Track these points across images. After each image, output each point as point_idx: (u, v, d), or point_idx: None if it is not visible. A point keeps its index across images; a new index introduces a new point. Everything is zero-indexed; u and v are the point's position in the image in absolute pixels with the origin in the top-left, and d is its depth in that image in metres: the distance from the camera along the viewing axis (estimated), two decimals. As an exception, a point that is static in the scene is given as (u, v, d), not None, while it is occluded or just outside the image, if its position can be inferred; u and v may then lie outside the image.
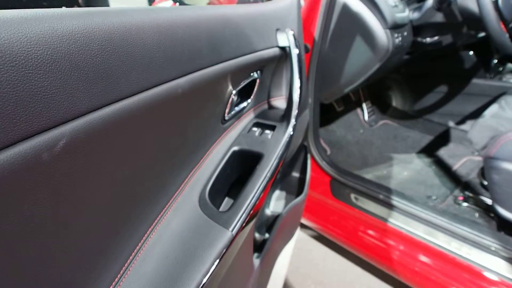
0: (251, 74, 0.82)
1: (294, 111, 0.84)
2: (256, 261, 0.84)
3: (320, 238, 1.83)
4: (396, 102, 2.27)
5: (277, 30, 0.84)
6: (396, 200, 1.40)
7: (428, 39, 1.55)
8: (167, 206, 0.60)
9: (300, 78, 0.85)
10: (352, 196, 1.49)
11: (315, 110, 1.52)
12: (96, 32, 0.38)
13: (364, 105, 2.20)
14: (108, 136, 0.40)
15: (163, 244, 0.56)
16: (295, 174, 1.25)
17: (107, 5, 0.87)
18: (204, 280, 0.51)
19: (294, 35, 0.85)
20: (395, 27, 1.38)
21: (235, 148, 0.77)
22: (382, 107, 2.28)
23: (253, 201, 0.65)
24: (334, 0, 1.38)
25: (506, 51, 1.39)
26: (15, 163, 0.30)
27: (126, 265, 0.51)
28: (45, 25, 0.33)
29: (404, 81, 2.19)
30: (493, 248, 1.20)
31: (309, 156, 1.25)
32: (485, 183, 1.58)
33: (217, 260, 0.54)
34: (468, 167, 1.79)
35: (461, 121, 2.02)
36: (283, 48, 0.86)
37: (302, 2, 1.38)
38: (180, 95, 0.52)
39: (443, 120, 2.07)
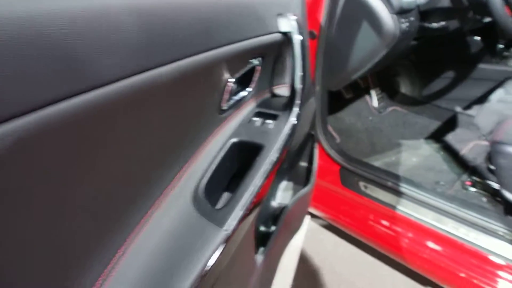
0: (251, 61, 0.80)
1: (297, 100, 0.83)
2: (260, 257, 0.82)
3: (331, 227, 1.86)
4: (405, 88, 2.27)
5: (279, 15, 0.81)
6: (405, 187, 1.41)
7: (435, 24, 1.53)
8: (157, 203, 0.56)
9: (303, 65, 0.84)
10: (362, 184, 1.51)
11: (323, 98, 1.52)
12: (58, 14, 0.34)
13: (373, 92, 2.20)
14: (83, 128, 0.37)
15: (152, 244, 0.52)
16: (303, 164, 1.24)
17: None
18: (195, 284, 0.48)
19: (297, 21, 0.83)
20: (402, 12, 1.36)
21: (234, 139, 0.75)
22: (391, 93, 2.28)
23: (251, 196, 0.62)
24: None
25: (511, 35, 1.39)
26: None
27: (111, 264, 0.48)
28: None
29: (412, 67, 2.19)
30: (500, 233, 1.22)
31: (316, 145, 1.26)
32: (492, 167, 1.60)
33: (211, 262, 0.51)
34: (475, 152, 1.80)
35: (468, 106, 2.03)
36: (285, 34, 0.83)
37: None
38: (167, 83, 0.48)
39: (451, 105, 2.08)
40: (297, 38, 0.83)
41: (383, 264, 1.65)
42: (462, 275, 1.26)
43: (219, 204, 0.75)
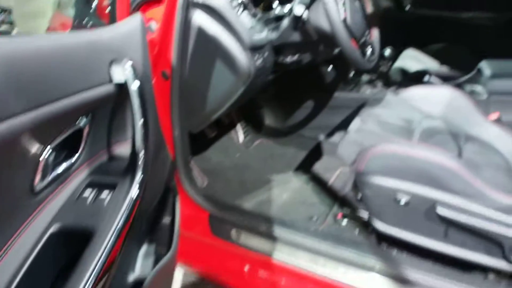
0: (77, 121, 0.68)
1: (140, 161, 0.68)
2: None
3: (206, 285, 1.71)
4: (269, 120, 2.27)
5: (112, 62, 0.69)
6: (279, 230, 1.35)
7: (289, 58, 1.55)
8: None
9: (145, 115, 0.71)
10: (233, 232, 1.40)
11: (184, 142, 1.40)
12: None
13: (238, 126, 2.15)
14: None
15: None
16: (166, 222, 1.09)
17: None
18: None
19: (134, 66, 0.71)
20: (255, 48, 1.34)
21: (54, 227, 0.60)
22: (256, 126, 2.26)
23: None
24: (188, 22, 1.28)
25: (360, 67, 1.45)
26: None
27: None
28: None
29: (274, 98, 2.21)
30: (376, 268, 1.20)
31: (177, 200, 1.11)
32: (360, 196, 1.62)
33: None
34: (343, 180, 1.83)
35: (330, 134, 2.09)
36: (120, 84, 0.71)
37: (154, 26, 1.25)
38: None
39: (314, 133, 2.12)
40: (134, 86, 0.69)
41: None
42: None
43: None
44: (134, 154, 0.68)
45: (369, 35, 1.55)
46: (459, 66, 2.11)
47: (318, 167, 1.95)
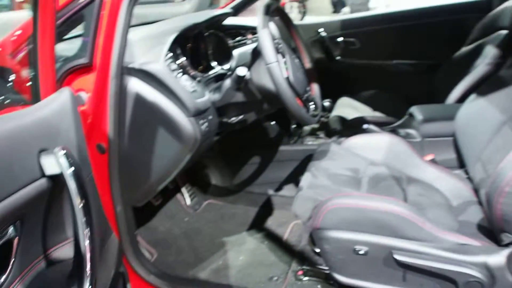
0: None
1: (86, 267, 0.58)
2: None
3: None
4: (215, 179, 2.22)
5: (41, 152, 0.60)
6: None
7: (234, 119, 1.54)
8: None
9: (87, 206, 0.61)
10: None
11: (128, 218, 1.29)
12: None
13: (183, 190, 2.07)
14: None
15: None
16: None
17: None
18: None
19: (67, 154, 0.61)
20: (199, 113, 1.31)
21: None
22: (202, 187, 2.20)
23: None
24: (124, 90, 1.22)
25: (306, 123, 1.47)
26: None
27: None
28: None
29: (219, 157, 2.17)
30: None
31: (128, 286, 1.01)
32: (317, 250, 1.60)
33: None
34: (297, 233, 1.82)
35: (279, 188, 2.08)
36: (53, 176, 0.61)
37: (85, 96, 1.16)
38: None
39: (263, 189, 2.11)
40: (69, 176, 0.60)
41: None
42: None
43: None
44: (78, 256, 0.58)
45: (310, 91, 1.59)
46: (391, 112, 2.25)
47: (271, 223, 1.92)
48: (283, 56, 1.40)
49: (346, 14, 6.11)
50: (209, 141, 1.44)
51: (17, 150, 0.56)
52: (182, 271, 1.52)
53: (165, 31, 1.38)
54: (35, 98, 0.91)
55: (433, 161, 1.68)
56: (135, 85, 1.25)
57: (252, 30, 2.02)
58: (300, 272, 1.55)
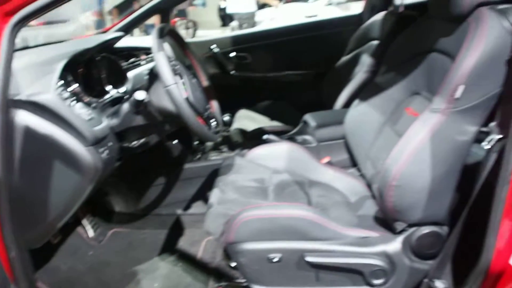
0: None
1: None
2: None
3: None
4: (119, 206, 2.11)
5: None
6: None
7: (135, 143, 1.49)
8: None
9: None
10: None
11: (25, 262, 1.16)
12: None
13: (84, 221, 1.93)
14: None
15: None
16: None
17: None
18: None
19: None
20: (98, 141, 1.25)
21: None
22: (105, 216, 2.08)
23: None
24: (11, 125, 1.11)
25: (209, 140, 1.48)
26: None
27: None
28: None
29: (120, 182, 2.07)
30: None
31: None
32: (233, 264, 1.62)
33: None
34: (211, 250, 1.81)
35: (187, 206, 2.06)
36: None
37: None
38: None
39: (171, 210, 2.06)
40: None
41: None
42: None
43: None
44: None
45: (210, 108, 1.62)
46: (287, 120, 2.38)
47: (183, 244, 1.89)
48: (181, 77, 1.40)
49: (234, 27, 6.28)
50: (111, 168, 1.38)
51: None
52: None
53: (54, 57, 1.30)
54: None
55: (329, 163, 1.81)
56: (24, 118, 1.15)
57: (145, 50, 1.99)
58: (220, 288, 1.56)
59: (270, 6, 6.80)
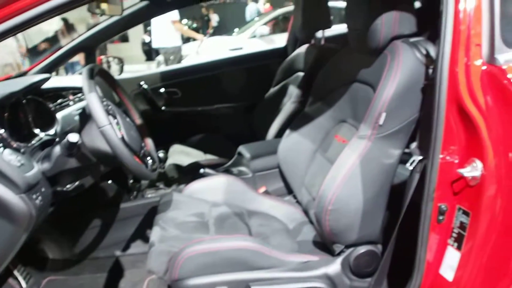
0: None
1: None
2: None
3: None
4: (52, 253, 1.99)
5: None
6: None
7: (69, 186, 1.45)
8: None
9: None
10: None
11: None
12: None
13: (16, 273, 1.80)
14: None
15: None
16: None
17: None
18: None
19: None
20: (31, 188, 1.20)
21: None
22: (39, 264, 1.95)
23: None
24: None
25: (147, 178, 1.48)
26: None
27: None
28: None
29: (53, 227, 1.96)
30: None
31: None
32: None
33: None
34: (154, 289, 1.77)
35: (126, 247, 2.01)
36: None
37: None
38: None
39: (109, 252, 1.99)
40: None
41: None
42: None
43: None
44: None
45: (145, 146, 1.62)
46: (221, 153, 2.43)
47: (124, 285, 1.83)
48: (114, 117, 1.40)
49: (160, 61, 6.27)
50: (44, 214, 1.32)
51: None
52: None
53: None
54: None
55: (266, 192, 1.88)
56: None
57: (73, 90, 1.95)
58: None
59: (194, 40, 6.87)
